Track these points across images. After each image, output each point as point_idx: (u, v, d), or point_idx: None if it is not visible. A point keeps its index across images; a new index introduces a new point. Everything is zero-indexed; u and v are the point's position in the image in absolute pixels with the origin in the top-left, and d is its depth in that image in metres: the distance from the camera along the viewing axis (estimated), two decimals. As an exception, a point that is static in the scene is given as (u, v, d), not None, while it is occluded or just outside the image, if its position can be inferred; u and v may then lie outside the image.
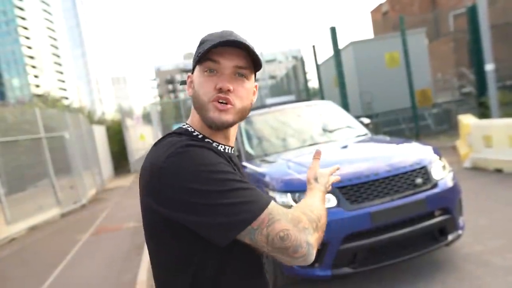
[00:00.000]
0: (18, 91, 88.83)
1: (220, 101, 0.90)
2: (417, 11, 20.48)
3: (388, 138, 4.27)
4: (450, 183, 3.12)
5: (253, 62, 0.94)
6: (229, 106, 0.91)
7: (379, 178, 2.91)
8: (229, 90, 0.90)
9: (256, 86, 1.01)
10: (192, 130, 0.96)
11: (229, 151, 0.99)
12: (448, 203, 3.04)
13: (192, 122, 0.97)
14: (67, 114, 10.68)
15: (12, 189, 7.91)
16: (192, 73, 0.99)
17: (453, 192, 3.12)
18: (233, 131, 1.01)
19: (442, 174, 3.15)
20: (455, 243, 3.27)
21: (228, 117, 0.91)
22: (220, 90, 0.90)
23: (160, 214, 0.84)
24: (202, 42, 0.95)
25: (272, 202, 0.85)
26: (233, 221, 0.79)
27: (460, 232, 3.12)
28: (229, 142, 1.00)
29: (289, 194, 2.94)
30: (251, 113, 4.89)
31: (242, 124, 4.55)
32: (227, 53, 0.90)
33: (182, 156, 0.82)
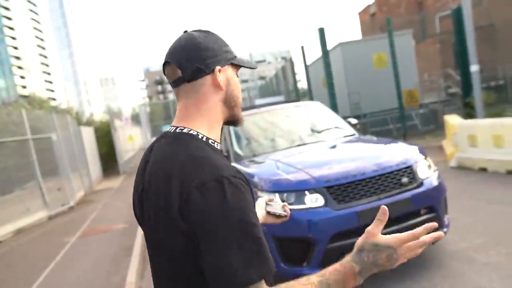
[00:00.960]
0: (3, 92, 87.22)
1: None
2: (404, 13, 20.78)
3: (375, 138, 4.34)
4: (435, 182, 3.19)
5: None
6: None
7: (366, 177, 2.96)
8: None
9: None
10: (196, 133, 0.93)
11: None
12: (433, 202, 3.10)
13: (195, 123, 0.93)
14: (54, 116, 10.54)
15: (-2, 191, 7.78)
16: (221, 66, 0.95)
17: (438, 191, 3.18)
18: None
19: (428, 174, 3.22)
20: (440, 241, 3.34)
21: None
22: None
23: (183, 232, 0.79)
24: (226, 43, 1.01)
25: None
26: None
27: (445, 230, 3.18)
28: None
29: (277, 194, 2.94)
30: (240, 114, 4.90)
31: (231, 125, 4.57)
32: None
33: (232, 188, 0.77)
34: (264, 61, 70.52)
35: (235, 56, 1.00)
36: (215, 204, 0.75)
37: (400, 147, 3.56)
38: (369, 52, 12.13)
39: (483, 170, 6.14)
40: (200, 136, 0.92)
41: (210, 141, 0.94)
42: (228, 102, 0.98)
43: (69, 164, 10.67)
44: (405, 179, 3.03)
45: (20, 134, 8.65)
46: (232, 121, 1.02)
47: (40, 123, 9.64)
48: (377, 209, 2.82)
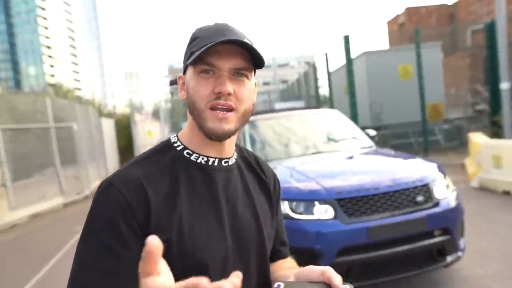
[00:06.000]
0: (33, 80, 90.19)
1: (220, 106, 0.79)
2: (434, 24, 20.30)
3: (393, 152, 4.20)
4: (452, 203, 3.04)
5: (253, 58, 0.83)
6: (230, 113, 0.80)
7: (379, 192, 2.85)
8: (229, 94, 0.79)
9: (255, 84, 0.91)
10: (174, 141, 0.89)
11: (226, 164, 0.88)
12: (449, 224, 2.96)
13: (184, 130, 0.90)
14: (77, 106, 10.77)
15: (18, 175, 7.98)
16: (184, 74, 0.88)
17: (455, 213, 3.04)
18: (232, 140, 0.90)
19: (445, 193, 3.08)
20: (454, 265, 3.19)
21: (230, 126, 0.81)
22: (219, 95, 0.79)
23: None
24: (193, 39, 0.84)
25: None
26: None
27: (460, 254, 3.03)
28: (223, 153, 0.88)
29: (286, 202, 2.91)
30: (257, 117, 4.85)
31: (247, 127, 4.52)
32: (224, 53, 0.79)
33: (97, 194, 0.78)
34: (287, 64, 70.39)
35: (191, 53, 0.82)
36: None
37: (418, 164, 3.43)
38: (394, 62, 11.89)
39: (507, 193, 5.88)
40: (175, 145, 0.88)
41: (186, 151, 0.86)
42: (190, 111, 0.85)
43: (88, 154, 10.88)
44: (420, 198, 2.90)
45: (44, 122, 8.87)
46: (205, 135, 0.82)
47: (63, 112, 9.86)
48: (388, 226, 2.75)
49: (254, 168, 0.98)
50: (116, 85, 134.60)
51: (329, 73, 13.69)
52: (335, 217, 2.78)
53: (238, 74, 0.81)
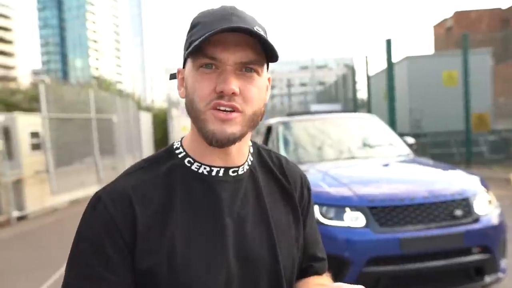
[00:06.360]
0: (79, 72, 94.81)
1: (222, 108, 0.66)
2: (485, 29, 19.31)
3: (431, 162, 4.03)
4: (494, 220, 2.86)
5: (265, 50, 0.68)
6: (234, 114, 0.67)
7: (414, 203, 2.73)
8: (234, 94, 0.66)
9: (269, 79, 0.77)
10: (177, 147, 0.77)
11: (235, 173, 0.75)
12: (489, 242, 2.78)
13: (188, 135, 0.79)
14: (117, 98, 11.18)
15: (60, 162, 8.38)
16: (184, 67, 0.74)
17: (496, 230, 2.85)
18: (242, 146, 0.75)
19: (487, 209, 2.90)
20: (492, 286, 3.00)
21: (234, 128, 0.67)
22: (221, 94, 0.66)
23: None
24: (194, 25, 0.71)
25: None
26: None
27: (500, 275, 2.85)
28: (230, 161, 0.74)
29: (316, 206, 2.86)
30: (292, 118, 4.81)
31: (281, 128, 4.49)
32: (229, 43, 0.66)
33: (88, 207, 0.71)
34: (325, 66, 69.51)
35: (191, 43, 0.68)
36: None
37: (459, 175, 3.25)
38: (438, 68, 11.42)
39: (555, 212, 5.47)
40: (177, 151, 0.76)
41: (187, 159, 0.74)
42: (188, 111, 0.71)
43: (125, 146, 11.26)
44: (459, 212, 2.75)
45: (86, 112, 9.29)
46: (205, 140, 0.69)
47: (104, 104, 10.27)
48: (422, 239, 2.63)
49: (274, 174, 0.83)
50: (156, 80, 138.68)
51: (368, 77, 13.38)
52: (367, 225, 2.70)
53: (246, 69, 0.68)
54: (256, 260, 0.73)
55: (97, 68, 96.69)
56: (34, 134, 7.96)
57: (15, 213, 6.75)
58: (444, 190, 2.84)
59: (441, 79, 11.35)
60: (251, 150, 0.81)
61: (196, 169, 0.74)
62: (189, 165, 0.74)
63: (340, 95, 16.96)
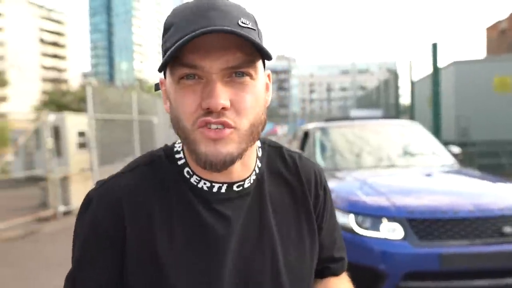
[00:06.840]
0: (124, 75, 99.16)
1: (213, 126, 0.56)
2: (541, 33, 18.03)
3: (478, 173, 3.79)
4: (549, 239, 2.63)
5: (257, 47, 0.56)
6: (227, 130, 0.57)
7: (458, 217, 2.57)
8: (224, 109, 0.56)
9: (269, 76, 0.66)
10: (178, 150, 0.69)
11: (241, 187, 0.66)
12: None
13: None
14: (158, 101, 11.53)
15: (103, 161, 8.76)
16: (165, 77, 0.63)
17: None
18: (246, 159, 0.65)
19: (540, 227, 2.67)
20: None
21: (229, 147, 0.57)
22: (208, 111, 0.56)
23: None
24: (167, 27, 0.59)
25: None
26: None
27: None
28: (234, 177, 0.65)
29: (352, 215, 2.77)
30: (329, 124, 4.71)
31: (318, 133, 4.42)
32: (211, 46, 0.55)
33: (81, 205, 0.68)
34: (367, 71, 67.91)
35: (166, 50, 0.58)
36: None
37: (509, 189, 3.03)
38: (489, 73, 10.81)
39: None
40: (177, 156, 0.69)
41: (186, 170, 0.66)
42: (175, 130, 0.62)
43: (164, 147, 11.60)
44: (509, 229, 2.55)
45: (128, 114, 9.67)
46: (197, 164, 0.60)
47: (145, 106, 10.64)
48: (465, 256, 2.47)
49: (285, 177, 0.73)
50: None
51: (412, 82, 12.91)
52: (405, 237, 2.58)
53: (237, 74, 0.57)
54: (258, 285, 0.66)
55: (140, 71, 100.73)
56: (81, 134, 8.39)
57: (61, 208, 7.13)
58: (491, 204, 2.66)
59: (492, 85, 10.73)
60: (259, 154, 0.71)
61: (195, 183, 0.65)
62: (188, 176, 0.66)
63: (382, 101, 16.47)
